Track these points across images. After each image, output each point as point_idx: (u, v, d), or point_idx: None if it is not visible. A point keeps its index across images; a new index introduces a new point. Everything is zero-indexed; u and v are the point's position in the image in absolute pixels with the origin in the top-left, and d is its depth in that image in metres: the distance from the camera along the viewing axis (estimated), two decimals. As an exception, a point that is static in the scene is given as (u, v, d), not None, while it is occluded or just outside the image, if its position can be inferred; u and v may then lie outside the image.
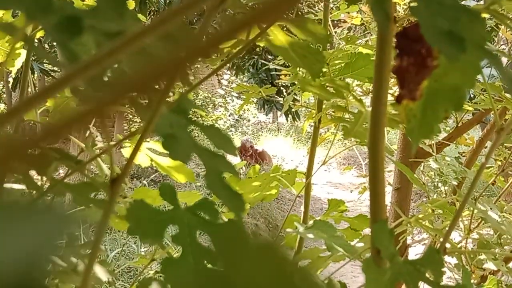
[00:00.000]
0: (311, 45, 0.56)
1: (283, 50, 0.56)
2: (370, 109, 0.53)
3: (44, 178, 0.51)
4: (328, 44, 1.25)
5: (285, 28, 0.60)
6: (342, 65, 1.03)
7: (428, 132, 0.45)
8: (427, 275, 0.51)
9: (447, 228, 0.75)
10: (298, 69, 1.06)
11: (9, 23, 0.71)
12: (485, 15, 0.68)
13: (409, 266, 0.50)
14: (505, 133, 0.66)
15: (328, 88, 0.88)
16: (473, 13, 0.37)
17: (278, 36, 0.55)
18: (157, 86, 0.18)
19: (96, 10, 0.34)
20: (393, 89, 1.21)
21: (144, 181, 6.83)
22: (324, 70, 1.02)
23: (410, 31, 0.41)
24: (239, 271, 0.18)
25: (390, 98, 0.53)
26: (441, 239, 0.76)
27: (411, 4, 0.34)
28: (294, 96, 1.52)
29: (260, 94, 1.38)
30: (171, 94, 0.49)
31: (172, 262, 0.42)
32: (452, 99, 0.43)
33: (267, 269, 0.18)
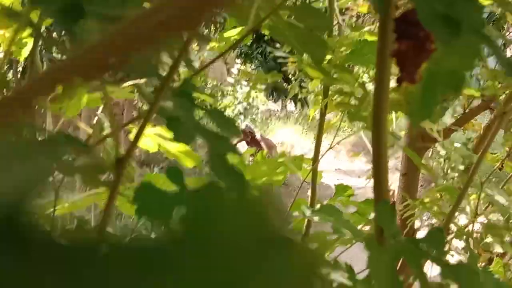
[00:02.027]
0: (312, 32, 0.56)
1: (285, 37, 0.56)
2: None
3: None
4: (337, 31, 1.25)
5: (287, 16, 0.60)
6: (348, 52, 1.03)
7: (427, 115, 0.45)
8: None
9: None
10: (304, 55, 1.07)
11: (14, 10, 0.72)
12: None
13: (411, 245, 0.50)
14: (507, 117, 0.67)
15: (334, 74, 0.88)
16: (470, -3, 0.37)
17: (279, 23, 0.55)
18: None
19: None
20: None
21: (155, 168, 6.87)
22: (330, 57, 1.02)
23: (409, 16, 0.42)
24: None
25: (393, 83, 0.54)
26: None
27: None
28: (301, 82, 1.53)
29: (266, 81, 1.39)
30: (176, 78, 0.50)
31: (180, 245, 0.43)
32: (450, 82, 0.43)
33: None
